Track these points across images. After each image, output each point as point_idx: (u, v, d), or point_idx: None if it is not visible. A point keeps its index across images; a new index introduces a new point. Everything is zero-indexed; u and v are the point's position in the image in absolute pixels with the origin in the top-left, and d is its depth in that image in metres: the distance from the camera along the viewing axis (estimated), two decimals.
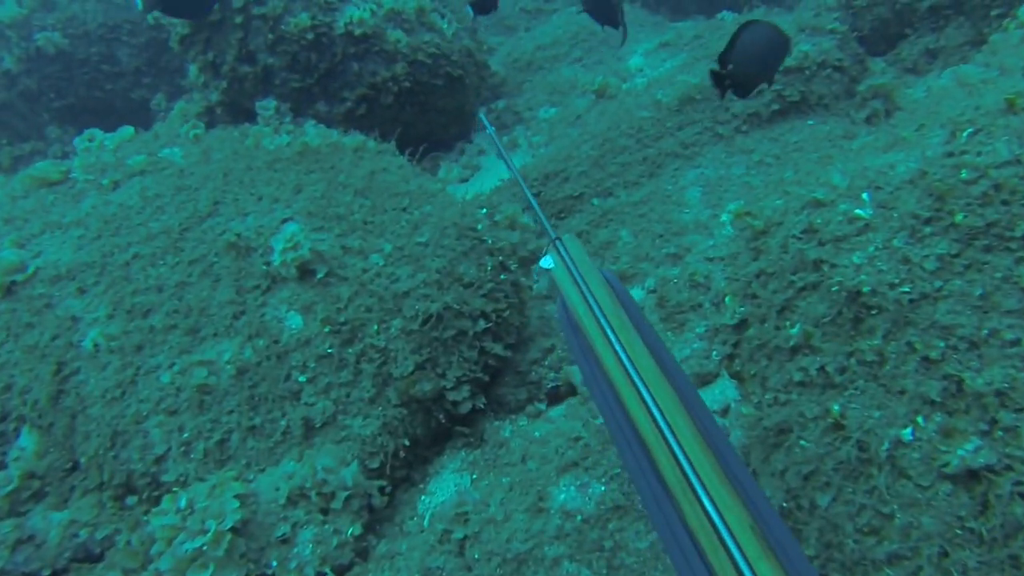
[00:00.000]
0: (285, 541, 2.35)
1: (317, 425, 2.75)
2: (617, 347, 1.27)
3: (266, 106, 4.77)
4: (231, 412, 2.75)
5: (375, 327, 2.77)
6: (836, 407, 1.72)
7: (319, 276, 2.86)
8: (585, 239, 4.22)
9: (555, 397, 2.92)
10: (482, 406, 2.91)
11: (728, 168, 4.27)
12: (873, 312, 1.70)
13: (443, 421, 2.86)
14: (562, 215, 4.51)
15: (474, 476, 2.84)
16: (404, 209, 3.05)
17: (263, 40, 4.64)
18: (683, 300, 3.24)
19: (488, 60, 5.60)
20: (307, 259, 2.81)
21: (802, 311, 1.87)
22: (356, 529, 2.46)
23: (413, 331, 2.77)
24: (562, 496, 2.32)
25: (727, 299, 2.14)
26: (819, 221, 1.88)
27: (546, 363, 3.00)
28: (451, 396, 2.77)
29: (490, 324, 2.84)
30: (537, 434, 2.67)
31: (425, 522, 2.64)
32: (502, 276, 3.00)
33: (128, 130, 4.24)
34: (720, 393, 2.79)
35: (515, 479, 2.48)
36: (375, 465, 2.74)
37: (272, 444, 2.72)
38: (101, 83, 7.45)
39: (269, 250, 2.99)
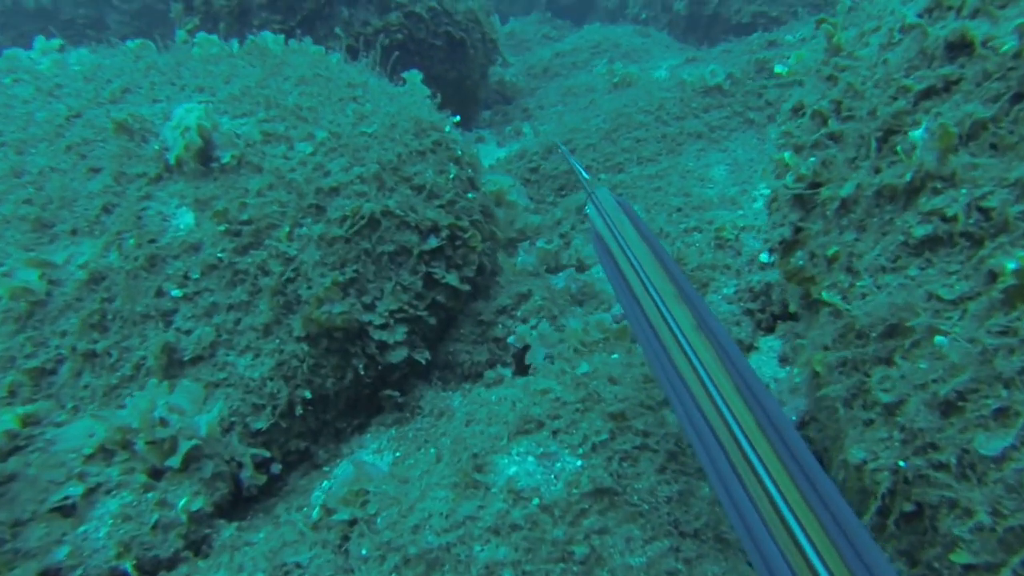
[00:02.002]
0: (65, 513, 1.51)
1: (186, 358, 1.95)
2: (641, 276, 1.43)
3: None
4: (65, 334, 1.96)
5: (286, 229, 2.01)
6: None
7: (224, 161, 2.12)
8: (586, 216, 3.48)
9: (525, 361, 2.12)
10: (424, 362, 2.11)
11: (760, 153, 3.58)
12: None
13: (366, 375, 2.05)
14: (563, 191, 3.79)
15: (397, 454, 2.01)
16: (354, 99, 2.33)
17: None
18: (706, 261, 2.48)
19: (496, 37, 4.98)
20: (199, 145, 2.07)
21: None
22: (198, 503, 1.63)
23: (336, 239, 2.00)
24: (512, 469, 1.50)
25: (786, 155, 1.39)
26: None
27: (518, 314, 2.21)
28: (378, 336, 1.98)
29: (443, 243, 2.07)
30: (494, 398, 1.86)
31: (314, 514, 1.81)
32: (469, 195, 2.26)
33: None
34: (755, 369, 1.99)
35: (447, 447, 1.66)
36: (260, 424, 1.93)
37: (116, 381, 1.92)
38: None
39: (165, 138, 2.27)
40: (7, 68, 3.05)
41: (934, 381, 1.03)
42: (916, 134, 1.26)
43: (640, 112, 3.98)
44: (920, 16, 1.39)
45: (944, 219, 1.15)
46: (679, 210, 3.17)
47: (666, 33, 7.24)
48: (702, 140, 3.78)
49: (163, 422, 1.65)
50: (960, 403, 0.99)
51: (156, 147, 2.27)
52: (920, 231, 1.18)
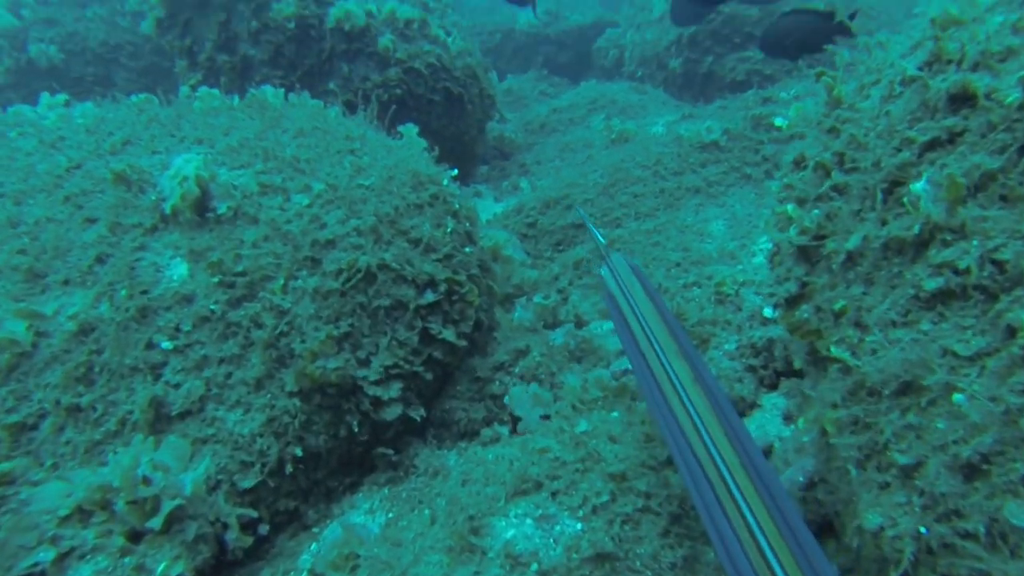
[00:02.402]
0: None
1: (174, 413, 1.89)
2: (647, 333, 1.55)
3: None
4: (49, 386, 1.90)
5: (280, 281, 1.97)
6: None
7: (221, 212, 2.10)
8: (585, 269, 3.46)
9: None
10: (419, 419, 2.05)
11: (758, 208, 3.59)
12: None
13: (359, 433, 1.99)
14: (560, 246, 3.78)
15: (390, 515, 1.93)
16: (352, 152, 2.33)
17: (245, 27, 4.14)
18: (706, 317, 2.44)
19: (493, 93, 5.06)
20: (196, 195, 2.06)
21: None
22: (178, 568, 1.54)
23: (331, 292, 1.97)
24: (510, 532, 1.42)
25: (789, 207, 1.36)
26: None
27: (516, 371, 2.15)
28: (372, 392, 1.92)
29: (440, 297, 2.03)
30: (491, 456, 1.79)
31: None
32: (467, 248, 2.23)
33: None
34: (758, 428, 1.93)
35: (442, 508, 1.59)
36: (248, 483, 1.86)
37: (99, 436, 1.85)
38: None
39: (163, 187, 2.25)
40: (14, 122, 3.07)
41: (954, 442, 0.98)
42: (918, 186, 1.24)
43: (638, 167, 4.00)
44: (920, 69, 1.39)
45: (956, 272, 1.11)
46: (678, 265, 3.15)
47: (662, 90, 7.37)
48: (700, 195, 3.79)
49: (146, 480, 1.58)
50: (984, 466, 0.94)
51: (153, 198, 2.25)
52: (931, 284, 1.14)
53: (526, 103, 8.00)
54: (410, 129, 2.47)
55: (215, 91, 3.19)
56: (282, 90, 3.13)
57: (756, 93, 5.02)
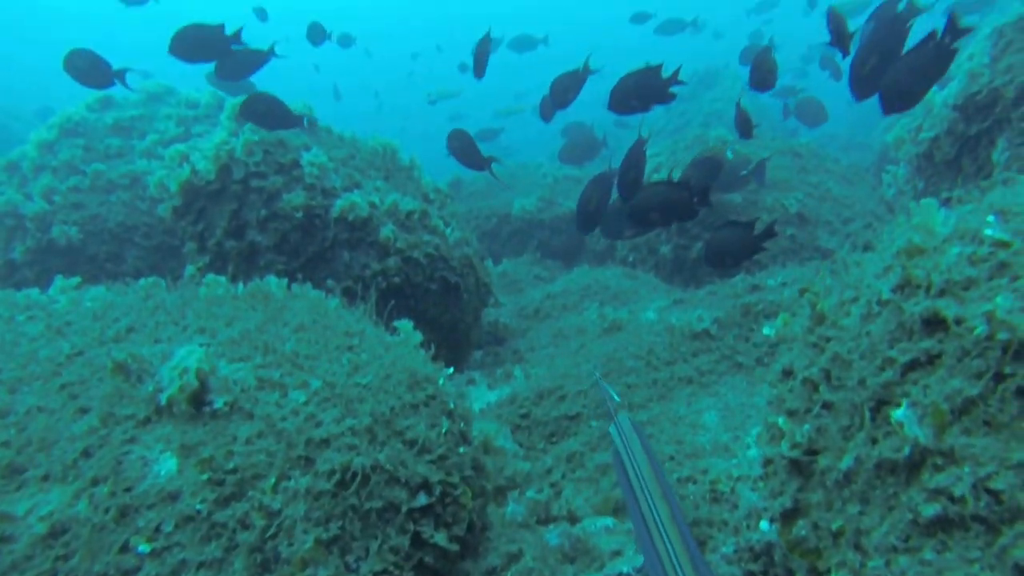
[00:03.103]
0: None
1: None
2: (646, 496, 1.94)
3: None
4: None
5: (272, 481, 1.93)
6: None
7: (217, 406, 2.11)
8: (579, 462, 3.41)
9: None
10: None
11: (751, 397, 3.61)
12: None
13: None
14: (554, 438, 3.75)
15: None
16: (350, 348, 2.38)
17: (255, 215, 4.39)
18: (702, 516, 2.37)
19: (489, 281, 5.27)
20: (195, 387, 2.08)
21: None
22: None
23: (323, 492, 1.92)
24: None
25: (780, 420, 1.38)
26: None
27: None
28: None
29: (433, 500, 1.99)
30: None
31: None
32: (460, 449, 2.22)
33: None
34: None
35: None
36: None
37: None
38: (97, 281, 7.25)
39: (162, 378, 2.28)
40: (24, 306, 3.16)
41: None
42: (899, 413, 1.27)
43: (630, 357, 4.08)
44: (893, 291, 1.48)
45: (952, 499, 1.12)
46: (672, 458, 3.11)
47: (653, 274, 7.68)
48: (692, 385, 3.83)
49: None
50: None
51: (150, 388, 2.26)
52: (928, 510, 1.14)
53: (521, 287, 8.30)
54: (406, 325, 2.55)
55: (222, 279, 3.32)
56: (285, 280, 3.26)
57: (744, 279, 5.24)
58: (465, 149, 5.13)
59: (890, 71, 3.52)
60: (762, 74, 4.78)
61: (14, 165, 7.48)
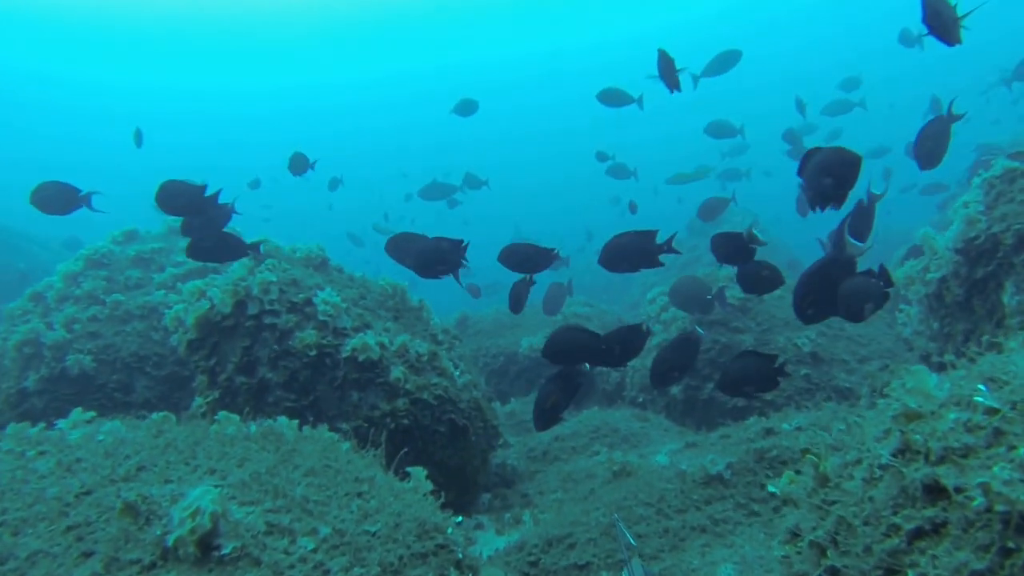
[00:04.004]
0: None
1: None
2: None
3: None
4: None
5: None
6: None
7: (226, 552, 2.10)
8: None
9: None
10: None
11: (768, 549, 3.50)
12: None
13: None
14: None
15: None
16: (359, 495, 2.39)
17: (267, 352, 4.50)
18: None
19: (497, 423, 5.27)
20: (207, 529, 2.09)
21: None
22: None
23: None
24: None
25: None
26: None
27: None
28: None
29: None
30: None
31: None
32: None
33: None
34: None
35: None
36: None
37: None
38: (106, 411, 7.28)
39: (172, 519, 2.28)
40: (36, 441, 3.19)
41: None
42: None
43: (641, 505, 4.00)
44: (894, 455, 1.52)
45: None
46: None
47: (663, 416, 7.60)
48: (706, 534, 3.74)
49: None
50: None
51: (158, 532, 2.26)
52: None
53: (529, 427, 8.21)
54: (419, 472, 2.57)
55: (235, 417, 3.37)
56: (296, 421, 3.30)
57: (757, 422, 5.20)
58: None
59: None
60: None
61: (39, 295, 7.74)
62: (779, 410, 6.03)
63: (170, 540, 2.17)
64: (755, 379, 4.38)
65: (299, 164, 8.82)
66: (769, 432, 4.97)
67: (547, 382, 4.29)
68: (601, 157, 12.06)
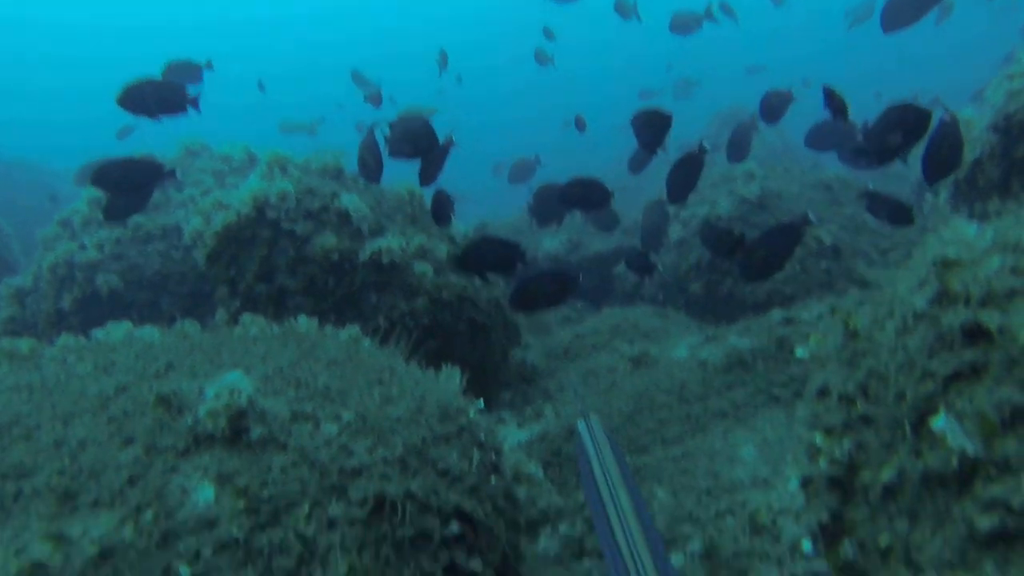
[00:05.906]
0: None
1: None
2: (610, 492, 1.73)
3: None
4: None
5: (306, 508, 1.94)
6: None
7: (254, 436, 2.13)
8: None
9: None
10: None
11: (790, 431, 3.54)
12: None
13: None
14: None
15: None
16: (381, 382, 2.41)
17: (284, 259, 4.49)
18: (742, 548, 2.31)
19: (517, 322, 5.28)
20: (242, 408, 2.12)
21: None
22: None
23: (356, 520, 1.92)
24: None
25: (817, 437, 1.35)
26: None
27: None
28: None
29: (465, 529, 1.97)
30: None
31: None
32: (492, 479, 2.21)
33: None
34: None
35: None
36: None
37: None
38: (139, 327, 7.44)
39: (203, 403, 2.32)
40: (75, 348, 3.26)
41: None
42: (939, 423, 1.25)
43: (662, 393, 4.03)
44: (930, 304, 1.47)
45: (1010, 511, 1.08)
46: (709, 493, 3.05)
47: (683, 313, 7.57)
48: (728, 419, 3.77)
49: None
50: None
51: (189, 422, 2.30)
52: (985, 523, 1.11)
53: (549, 328, 8.25)
54: (454, 373, 2.57)
55: (259, 319, 3.39)
56: (316, 320, 3.31)
57: (778, 312, 5.15)
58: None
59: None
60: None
61: (66, 221, 7.82)
62: (799, 302, 5.98)
63: (207, 425, 2.21)
64: (780, 249, 4.20)
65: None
66: (789, 321, 4.94)
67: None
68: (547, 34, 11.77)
